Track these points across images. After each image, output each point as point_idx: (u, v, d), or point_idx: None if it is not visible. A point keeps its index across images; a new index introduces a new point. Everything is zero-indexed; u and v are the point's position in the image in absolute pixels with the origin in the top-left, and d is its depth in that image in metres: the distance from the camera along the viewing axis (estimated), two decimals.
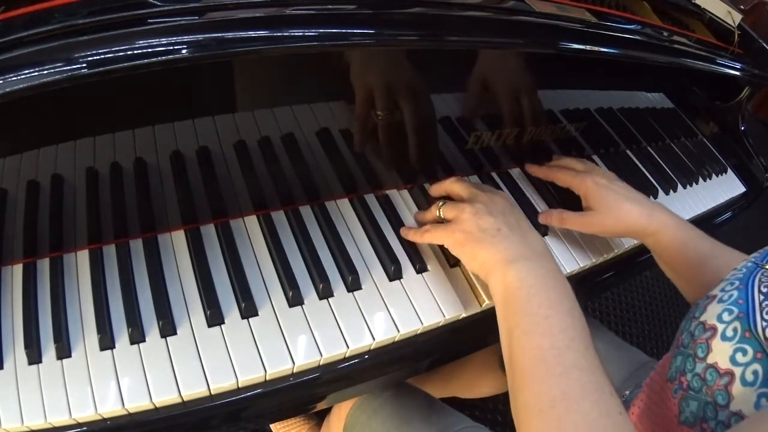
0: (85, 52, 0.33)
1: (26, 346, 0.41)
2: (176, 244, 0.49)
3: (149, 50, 0.34)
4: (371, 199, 0.58)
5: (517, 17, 0.52)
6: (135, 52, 0.34)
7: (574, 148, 0.74)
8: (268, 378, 0.44)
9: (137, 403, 0.40)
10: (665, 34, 0.67)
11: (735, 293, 0.41)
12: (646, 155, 0.84)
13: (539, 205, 0.66)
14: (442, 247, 0.55)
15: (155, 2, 0.35)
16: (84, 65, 0.32)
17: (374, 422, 0.61)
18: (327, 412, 0.77)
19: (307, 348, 0.46)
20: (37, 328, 0.42)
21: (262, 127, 0.48)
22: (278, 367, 0.44)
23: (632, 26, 0.63)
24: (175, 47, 0.35)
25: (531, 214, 0.62)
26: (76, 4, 0.34)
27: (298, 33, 0.39)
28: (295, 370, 0.45)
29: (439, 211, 0.53)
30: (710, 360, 0.39)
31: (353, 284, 0.50)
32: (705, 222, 0.82)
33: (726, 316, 0.40)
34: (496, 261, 0.46)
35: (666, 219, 0.57)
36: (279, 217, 0.53)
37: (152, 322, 0.44)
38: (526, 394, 0.39)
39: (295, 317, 0.47)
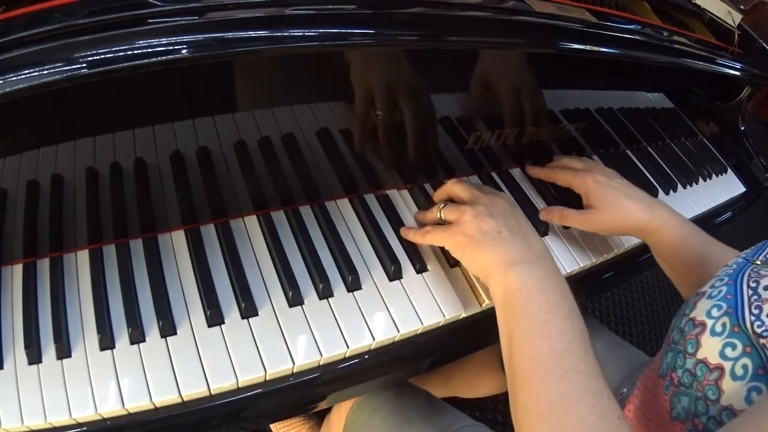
0: (85, 52, 0.33)
1: (26, 346, 0.41)
2: (176, 244, 0.49)
3: (149, 50, 0.34)
4: (371, 199, 0.58)
5: (517, 17, 0.52)
6: (135, 52, 0.34)
7: (574, 148, 0.74)
8: (268, 378, 0.44)
9: (137, 403, 0.40)
10: (665, 34, 0.67)
11: (724, 289, 0.41)
12: (646, 155, 0.84)
13: (540, 205, 0.66)
14: (442, 247, 0.55)
15: (155, 2, 0.35)
16: (84, 65, 0.32)
17: (375, 421, 0.61)
18: (327, 411, 0.77)
19: (307, 348, 0.46)
20: (37, 328, 0.42)
21: (262, 127, 0.48)
22: (278, 367, 0.44)
23: (632, 26, 0.63)
24: (175, 47, 0.35)
25: (532, 214, 0.62)
26: (76, 4, 0.34)
27: (298, 33, 0.39)
28: (295, 370, 0.45)
29: (440, 213, 0.53)
30: (700, 355, 0.39)
31: (353, 284, 0.50)
32: (705, 222, 0.82)
33: (715, 312, 0.40)
34: (496, 264, 0.46)
35: (667, 216, 0.57)
36: (279, 217, 0.53)
37: (152, 322, 0.44)
38: (525, 396, 0.39)
39: (295, 317, 0.47)
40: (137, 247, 0.48)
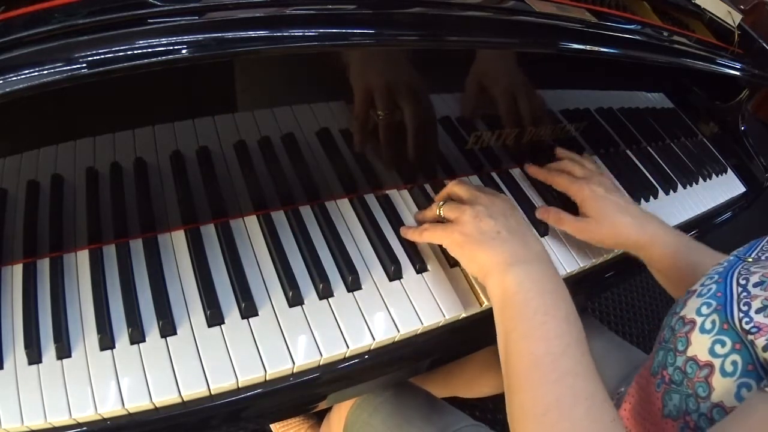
0: (85, 52, 0.33)
1: (26, 346, 0.41)
2: (176, 244, 0.49)
3: (149, 50, 0.34)
4: (371, 199, 0.58)
5: (517, 17, 0.52)
6: (135, 52, 0.34)
7: (574, 148, 0.74)
8: (268, 378, 0.44)
9: (137, 403, 0.40)
10: (665, 34, 0.67)
11: (714, 287, 0.42)
12: (646, 155, 0.84)
13: (540, 205, 0.66)
14: (442, 247, 0.55)
15: (155, 2, 0.35)
16: (84, 65, 0.32)
17: (375, 420, 0.61)
18: (327, 411, 0.77)
19: (307, 348, 0.46)
20: (37, 328, 0.42)
21: (262, 127, 0.48)
22: (278, 367, 0.44)
23: (632, 26, 0.63)
24: (175, 47, 0.35)
25: (531, 214, 0.62)
26: (76, 4, 0.34)
27: (298, 33, 0.39)
28: (295, 370, 0.45)
29: (440, 210, 0.53)
30: (690, 353, 0.40)
31: (353, 284, 0.50)
32: (705, 222, 0.82)
33: (704, 309, 0.40)
34: (494, 264, 0.46)
35: (657, 230, 0.57)
36: (279, 217, 0.53)
37: (152, 322, 0.44)
38: (521, 397, 0.39)
39: (295, 317, 0.47)
40: (137, 247, 0.48)
